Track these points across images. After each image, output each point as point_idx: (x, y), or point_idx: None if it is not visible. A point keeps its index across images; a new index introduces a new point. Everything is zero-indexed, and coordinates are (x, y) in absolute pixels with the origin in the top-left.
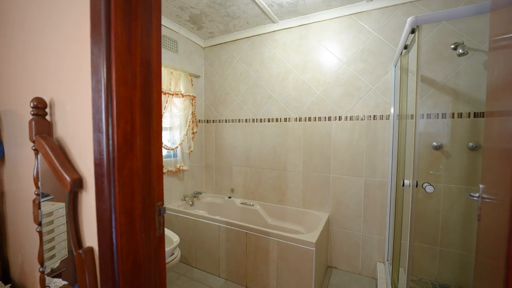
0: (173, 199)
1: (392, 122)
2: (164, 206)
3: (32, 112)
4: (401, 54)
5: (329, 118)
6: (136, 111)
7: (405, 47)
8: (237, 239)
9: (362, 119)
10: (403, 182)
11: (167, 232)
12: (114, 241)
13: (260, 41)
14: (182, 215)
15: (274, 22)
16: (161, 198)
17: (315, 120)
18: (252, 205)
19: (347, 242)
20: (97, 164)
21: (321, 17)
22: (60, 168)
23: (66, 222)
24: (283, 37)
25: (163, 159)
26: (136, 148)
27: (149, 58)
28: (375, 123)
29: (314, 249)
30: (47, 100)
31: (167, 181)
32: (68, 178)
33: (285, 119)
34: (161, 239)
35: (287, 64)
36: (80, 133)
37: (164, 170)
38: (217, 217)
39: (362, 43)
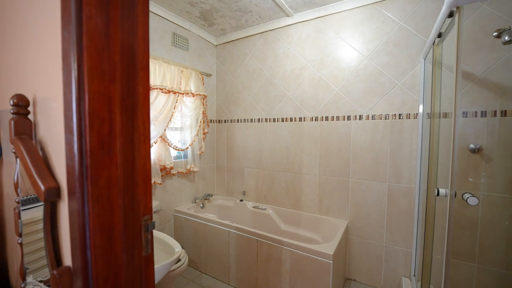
0: (183, 201)
1: (421, 122)
2: (153, 221)
3: (12, 111)
4: (433, 43)
5: (349, 118)
6: (116, 109)
7: (439, 35)
8: (248, 246)
9: (386, 118)
10: (438, 190)
11: (169, 240)
12: (89, 264)
13: (274, 36)
14: (192, 218)
15: (288, 16)
16: (149, 211)
17: (333, 120)
18: (265, 209)
19: (368, 254)
20: (69, 172)
21: (339, 8)
22: (35, 175)
23: (43, 236)
24: (298, 31)
25: (173, 160)
26: (116, 154)
27: (133, 45)
28: (401, 123)
29: (331, 262)
30: (30, 97)
31: (177, 182)
32: (42, 187)
33: (300, 119)
34: (149, 259)
35: (302, 60)
36: (60, 135)
37: (174, 171)
38: (227, 222)
39: (386, 34)
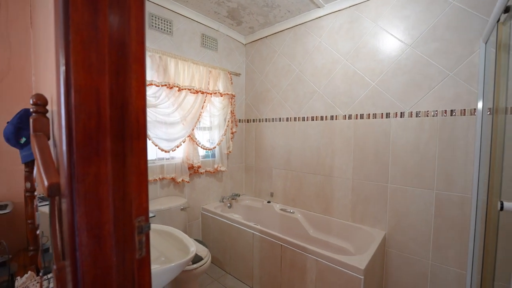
0: (211, 200)
1: (481, 119)
2: (148, 223)
3: (32, 110)
4: (497, 21)
5: (388, 115)
6: (105, 104)
7: (506, 9)
8: (271, 251)
9: (433, 115)
10: (502, 204)
11: (185, 238)
12: (78, 263)
13: (304, 30)
14: (218, 218)
15: (319, 7)
16: (143, 212)
17: (369, 118)
18: (293, 212)
19: (410, 271)
20: (59, 168)
21: None
22: (42, 170)
23: (49, 230)
24: (330, 23)
25: (201, 159)
26: (105, 150)
27: (124, 36)
28: (453, 120)
29: (362, 277)
30: (49, 96)
31: (205, 181)
32: (46, 182)
33: (332, 117)
34: (144, 262)
35: (335, 53)
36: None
37: (202, 170)
38: (251, 224)
39: (435, 17)
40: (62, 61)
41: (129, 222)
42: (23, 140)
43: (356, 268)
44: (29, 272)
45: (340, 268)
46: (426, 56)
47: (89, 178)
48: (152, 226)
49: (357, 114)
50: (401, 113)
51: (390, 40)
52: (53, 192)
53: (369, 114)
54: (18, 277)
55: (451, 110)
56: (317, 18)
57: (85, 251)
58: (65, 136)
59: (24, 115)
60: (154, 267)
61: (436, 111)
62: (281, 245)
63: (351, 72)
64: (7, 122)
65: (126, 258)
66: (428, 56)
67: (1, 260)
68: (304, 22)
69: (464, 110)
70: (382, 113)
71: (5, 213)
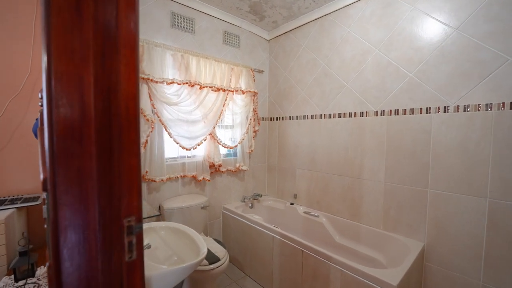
0: (232, 199)
1: None
2: (140, 223)
3: (40, 104)
4: None
5: (428, 110)
6: (89, 92)
7: None
8: (292, 256)
9: (486, 109)
10: None
11: (197, 239)
12: (61, 265)
13: (330, 20)
14: (238, 218)
15: None
16: (134, 211)
17: (405, 113)
18: (317, 216)
19: None
20: (43, 162)
21: None
22: (40, 165)
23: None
24: (360, 10)
25: (222, 158)
26: (90, 142)
27: (110, 20)
28: None
29: None
30: None
31: (226, 180)
32: (41, 177)
33: (362, 114)
34: (135, 265)
35: (365, 43)
36: None
37: (223, 169)
38: (272, 226)
39: None
40: (44, 46)
41: (117, 222)
42: None
43: (387, 284)
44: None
45: (369, 282)
46: (476, 40)
47: (71, 172)
48: (168, 224)
49: (390, 110)
50: (444, 107)
51: (432, 24)
52: (46, 187)
53: (405, 109)
54: (42, 266)
55: (511, 103)
56: (345, 6)
57: (68, 252)
58: (47, 127)
59: None
60: (162, 268)
61: (491, 104)
62: (302, 251)
63: (384, 63)
64: (36, 119)
65: (114, 260)
66: (480, 40)
67: (22, 250)
68: (331, 12)
69: None
70: (421, 108)
71: (36, 205)
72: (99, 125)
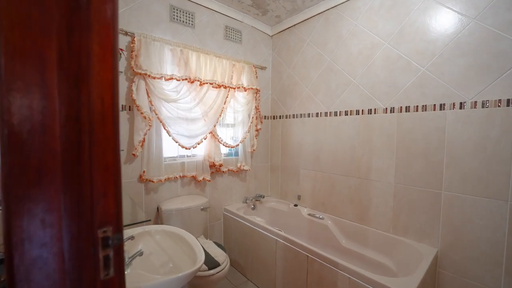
0: (233, 200)
1: None
2: (119, 234)
3: None
4: None
5: (442, 106)
6: (52, 75)
7: None
8: (297, 262)
9: (508, 105)
10: None
11: (195, 245)
12: (18, 284)
13: (336, 14)
14: (239, 220)
15: None
16: (111, 219)
17: (417, 110)
18: (322, 218)
19: None
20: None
21: None
22: None
23: None
24: (368, 2)
25: (223, 157)
26: (53, 137)
27: None
28: None
29: None
30: None
31: (228, 180)
32: None
33: (370, 111)
34: (113, 284)
35: (374, 36)
36: None
37: (224, 169)
38: (275, 229)
39: None
40: None
41: (89, 233)
42: None
43: None
44: None
45: None
46: (496, 30)
47: (28, 174)
48: (164, 227)
49: (401, 107)
50: (460, 103)
51: (446, 14)
52: None
53: (416, 106)
54: None
55: None
56: None
57: (26, 270)
58: (4, 117)
59: None
60: (155, 278)
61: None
62: (307, 256)
63: (394, 57)
64: None
65: (85, 279)
66: (500, 29)
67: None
68: (337, 5)
69: None
70: (434, 105)
71: None
72: (64, 117)
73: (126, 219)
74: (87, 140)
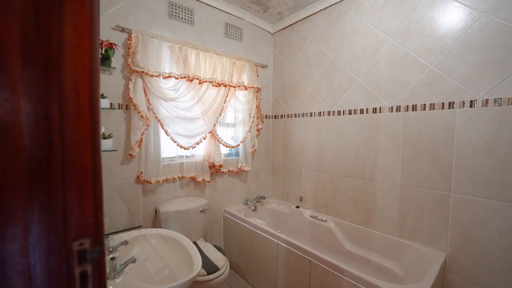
0: (234, 202)
1: None
2: (98, 246)
3: None
4: None
5: (451, 105)
6: (15, 62)
7: None
8: (299, 266)
9: None
10: None
11: (192, 250)
12: None
13: (340, 10)
14: (239, 222)
15: None
16: (88, 230)
17: (424, 109)
18: (325, 220)
19: None
20: None
21: None
22: None
23: None
24: None
25: (223, 158)
26: (15, 135)
27: None
28: None
29: None
30: None
31: (228, 181)
32: None
33: (374, 110)
34: None
35: (379, 33)
36: None
37: (224, 170)
38: (276, 232)
39: None
40: None
41: (61, 246)
42: None
43: None
44: None
45: None
46: (510, 24)
47: None
48: (160, 231)
49: (407, 105)
50: (471, 101)
51: (455, 8)
52: None
53: (424, 104)
54: None
55: None
56: None
57: None
58: None
59: None
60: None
61: None
62: (310, 260)
63: (400, 54)
64: None
65: None
66: None
67: None
68: (340, 1)
69: None
70: (443, 103)
71: None
72: (30, 112)
73: (119, 224)
74: (58, 140)
